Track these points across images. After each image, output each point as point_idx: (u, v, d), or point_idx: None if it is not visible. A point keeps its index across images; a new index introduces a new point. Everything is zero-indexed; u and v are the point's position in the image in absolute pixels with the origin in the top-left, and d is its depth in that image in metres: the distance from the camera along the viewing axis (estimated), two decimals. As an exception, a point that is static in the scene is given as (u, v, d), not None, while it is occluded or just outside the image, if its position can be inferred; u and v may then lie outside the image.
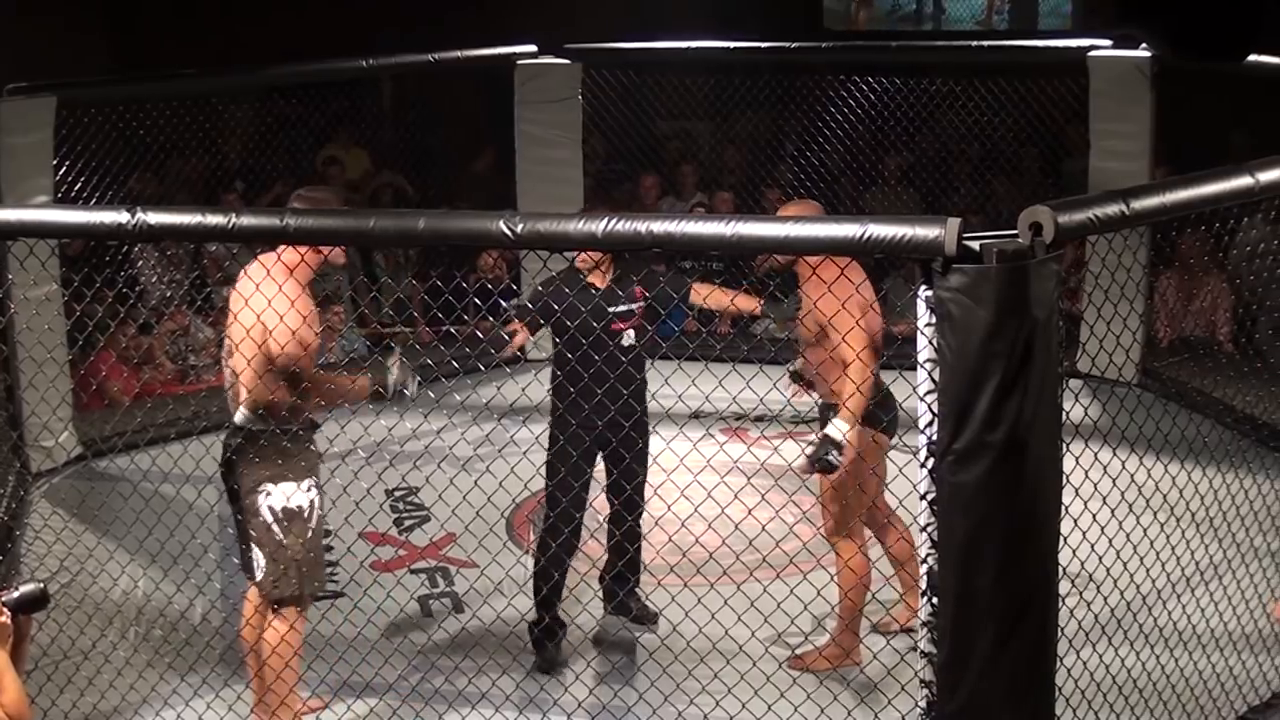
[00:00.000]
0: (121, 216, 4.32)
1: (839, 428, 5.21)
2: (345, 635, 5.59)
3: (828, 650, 5.64)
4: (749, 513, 5.70)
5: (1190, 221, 7.37)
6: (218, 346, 9.07)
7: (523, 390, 7.00)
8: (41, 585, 3.71)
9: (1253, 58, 6.56)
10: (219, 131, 9.91)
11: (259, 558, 5.02)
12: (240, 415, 5.03)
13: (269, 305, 4.84)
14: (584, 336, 5.43)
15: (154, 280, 9.32)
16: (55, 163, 7.77)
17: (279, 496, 4.97)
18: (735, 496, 5.70)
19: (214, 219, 4.31)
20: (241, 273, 5.04)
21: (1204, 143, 9.06)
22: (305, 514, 5.00)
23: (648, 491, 6.01)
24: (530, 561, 6.26)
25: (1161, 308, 9.08)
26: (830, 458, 5.20)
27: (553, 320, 5.67)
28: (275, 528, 4.97)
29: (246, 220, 4.32)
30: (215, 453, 6.12)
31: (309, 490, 5.03)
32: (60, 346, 7.46)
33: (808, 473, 5.31)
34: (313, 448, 5.10)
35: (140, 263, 9.26)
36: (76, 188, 8.14)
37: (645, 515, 6.25)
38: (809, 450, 5.30)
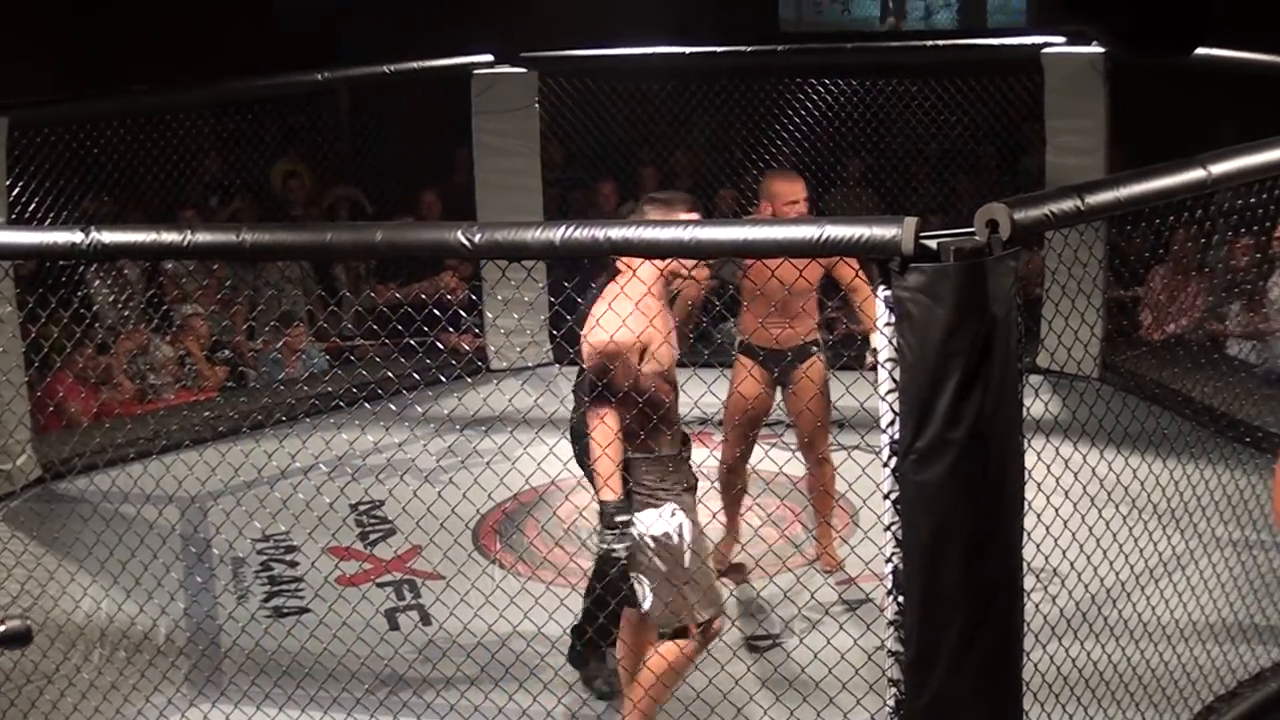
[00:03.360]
0: (75, 236, 4.29)
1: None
2: (312, 651, 5.56)
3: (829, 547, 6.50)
4: (713, 517, 5.71)
5: (1186, 220, 7.35)
6: (177, 365, 9.04)
7: (484, 401, 7.00)
8: (28, 624, 3.66)
9: (1201, 51, 6.61)
10: (174, 148, 9.85)
11: (643, 588, 4.85)
12: None
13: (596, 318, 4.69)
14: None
15: (110, 299, 9.26)
16: (8, 184, 7.71)
17: (645, 525, 4.75)
18: (699, 501, 5.71)
19: (169, 236, 4.29)
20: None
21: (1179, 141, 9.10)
22: (674, 540, 4.78)
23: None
24: (496, 572, 6.26)
25: (1149, 303, 9.10)
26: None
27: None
28: (655, 558, 4.77)
29: (202, 237, 4.29)
30: (175, 472, 6.10)
31: (673, 515, 4.79)
32: (17, 368, 7.39)
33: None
34: (679, 471, 4.85)
35: (96, 282, 9.21)
36: (30, 208, 8.07)
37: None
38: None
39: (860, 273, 6.09)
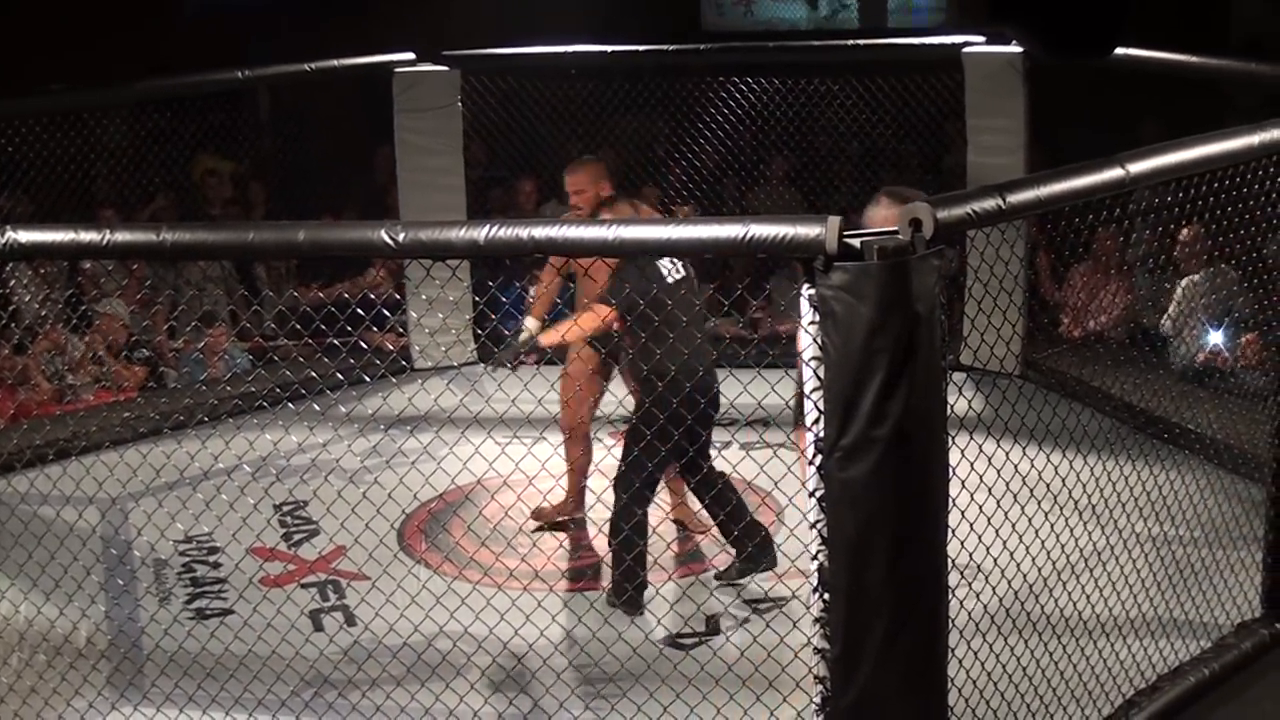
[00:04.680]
0: (-10, 235, 4.23)
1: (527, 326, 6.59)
2: (236, 653, 5.52)
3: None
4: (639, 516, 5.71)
5: (1110, 218, 7.42)
6: (95, 363, 8.93)
7: (409, 400, 6.98)
8: None
9: (1120, 51, 6.70)
10: (92, 147, 9.73)
11: None
12: None
13: None
14: None
15: (27, 299, 9.13)
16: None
17: None
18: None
19: (88, 236, 4.24)
20: None
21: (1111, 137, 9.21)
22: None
23: (538, 498, 6.00)
24: (422, 572, 6.25)
25: (1069, 302, 9.18)
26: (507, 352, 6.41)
27: None
28: None
29: (122, 236, 4.25)
30: (96, 473, 6.03)
31: None
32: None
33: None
34: None
35: (13, 281, 9.08)
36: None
37: (535, 522, 6.22)
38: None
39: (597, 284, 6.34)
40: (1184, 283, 8.32)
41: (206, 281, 9.76)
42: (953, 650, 3.98)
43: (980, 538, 4.43)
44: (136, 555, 6.78)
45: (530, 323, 6.73)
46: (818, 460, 3.75)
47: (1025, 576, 4.86)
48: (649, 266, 5.95)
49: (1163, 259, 8.50)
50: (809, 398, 3.75)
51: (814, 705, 3.87)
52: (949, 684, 3.96)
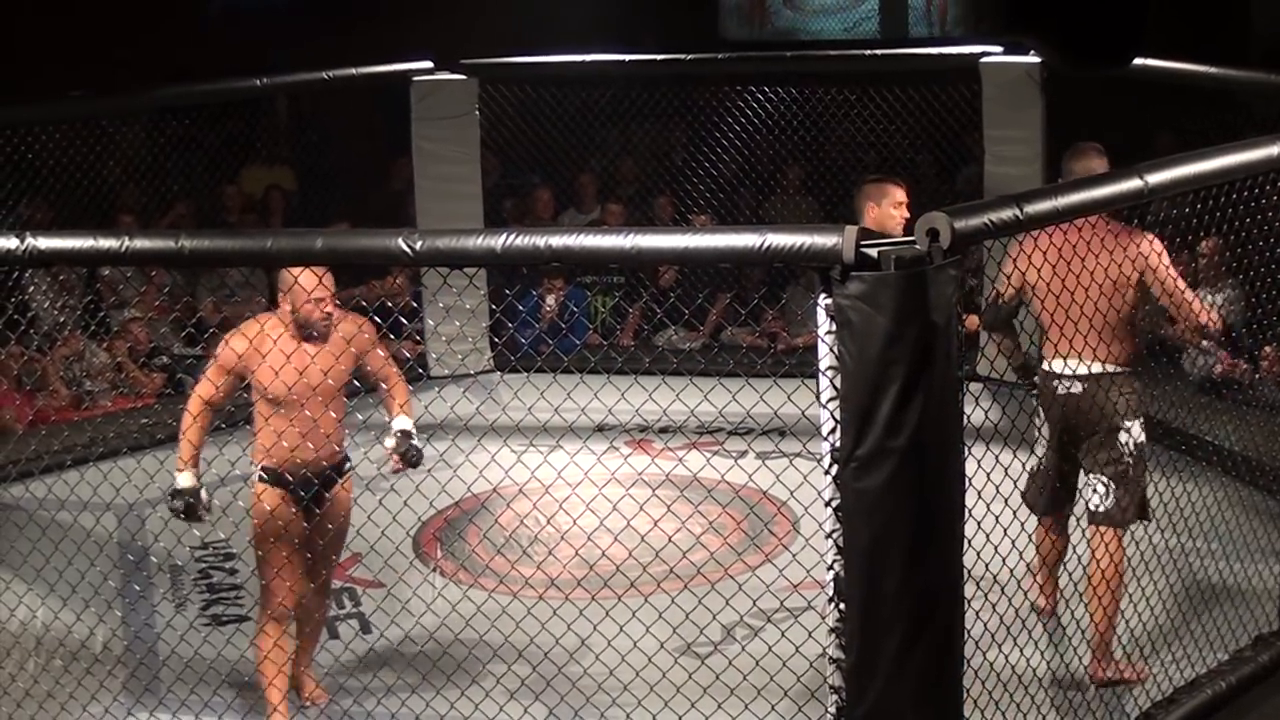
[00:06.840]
0: (10, 242, 4.25)
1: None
2: (251, 659, 5.52)
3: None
4: (655, 524, 5.71)
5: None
6: (114, 371, 8.95)
7: (425, 408, 6.98)
8: None
9: (1139, 62, 6.69)
10: (111, 154, 9.77)
11: (1110, 488, 5.26)
12: (1098, 366, 5.32)
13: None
14: None
15: (46, 305, 9.16)
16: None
17: (1137, 432, 5.29)
18: (641, 509, 5.72)
19: (106, 242, 4.25)
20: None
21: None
22: (1146, 450, 5.31)
23: (553, 506, 6.00)
24: (437, 580, 6.23)
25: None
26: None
27: None
28: (1132, 461, 5.26)
29: (140, 243, 4.26)
30: (113, 479, 6.04)
31: (1143, 427, 5.34)
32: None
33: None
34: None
35: (31, 288, 9.11)
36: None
37: (551, 530, 6.22)
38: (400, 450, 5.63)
39: (390, 361, 5.65)
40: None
41: (224, 288, 9.79)
42: (968, 661, 3.97)
43: (996, 549, 4.42)
44: (153, 561, 6.79)
45: (185, 479, 5.42)
46: (834, 470, 3.75)
47: (1042, 588, 4.85)
48: None
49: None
50: (825, 407, 3.74)
51: (829, 715, 3.87)
52: (964, 696, 3.95)
